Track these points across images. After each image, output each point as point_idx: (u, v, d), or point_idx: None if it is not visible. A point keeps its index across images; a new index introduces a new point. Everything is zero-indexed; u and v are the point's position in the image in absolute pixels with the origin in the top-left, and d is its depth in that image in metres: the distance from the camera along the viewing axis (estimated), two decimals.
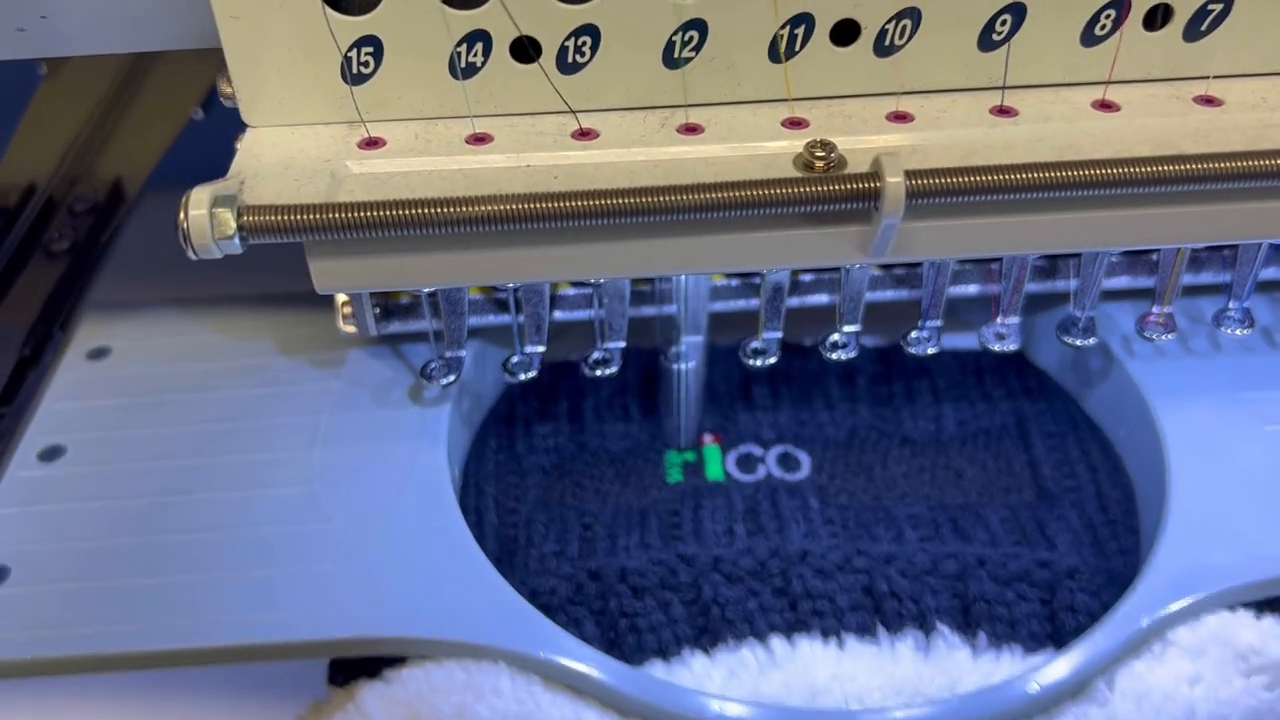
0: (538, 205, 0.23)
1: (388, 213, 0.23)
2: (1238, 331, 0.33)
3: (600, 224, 0.24)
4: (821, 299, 0.32)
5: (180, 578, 0.30)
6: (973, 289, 0.33)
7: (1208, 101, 0.27)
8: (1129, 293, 0.35)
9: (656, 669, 0.29)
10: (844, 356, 0.32)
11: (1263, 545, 0.29)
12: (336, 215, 0.23)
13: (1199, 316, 0.35)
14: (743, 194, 0.23)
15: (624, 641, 0.30)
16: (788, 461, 0.35)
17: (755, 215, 0.24)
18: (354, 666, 0.29)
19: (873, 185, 0.24)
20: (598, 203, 0.23)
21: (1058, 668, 0.27)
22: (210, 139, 0.35)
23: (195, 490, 0.32)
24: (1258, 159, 0.24)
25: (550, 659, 0.28)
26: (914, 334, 0.33)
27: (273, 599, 0.29)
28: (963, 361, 0.35)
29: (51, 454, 0.34)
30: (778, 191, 0.23)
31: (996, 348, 0.33)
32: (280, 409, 0.35)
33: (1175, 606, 0.28)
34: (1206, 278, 0.35)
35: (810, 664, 0.29)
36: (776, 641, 0.29)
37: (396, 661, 0.29)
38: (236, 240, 0.23)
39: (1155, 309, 0.33)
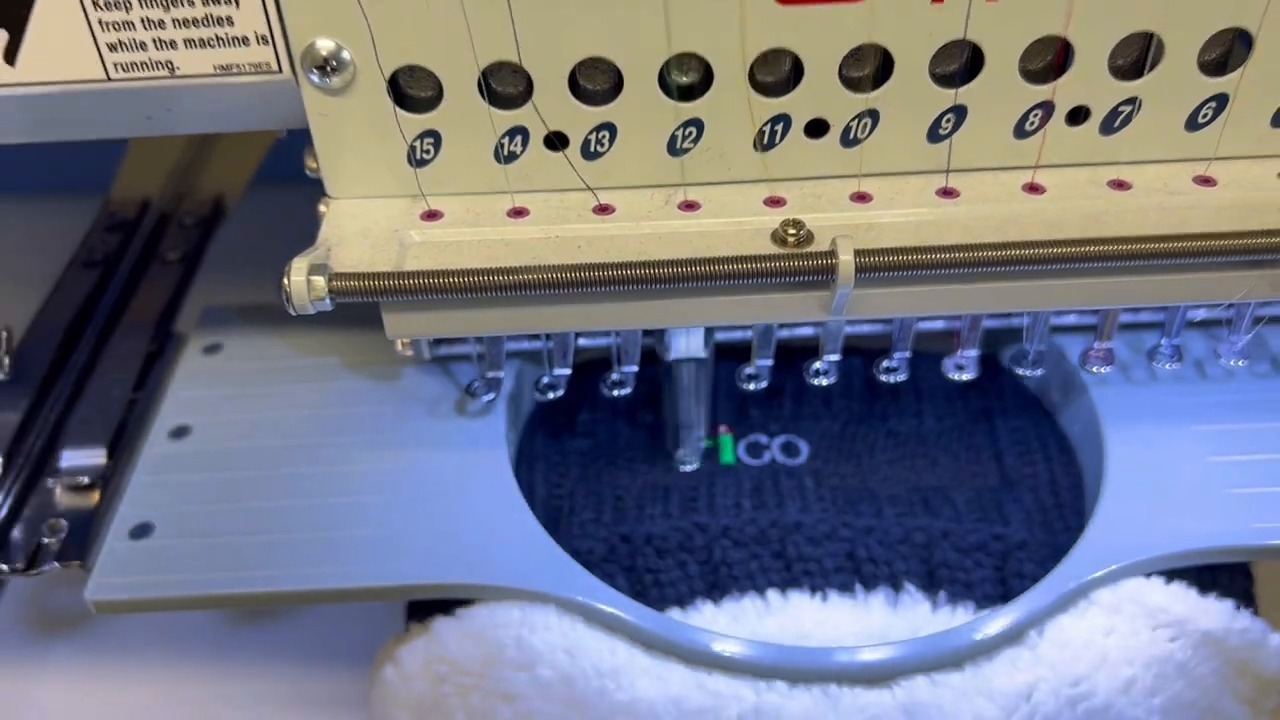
0: (566, 275, 0.27)
1: (446, 280, 0.27)
2: (1168, 365, 0.35)
3: (615, 289, 0.27)
4: (807, 330, 0.36)
5: (290, 535, 0.33)
6: (939, 324, 0.36)
7: (1119, 185, 0.29)
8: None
9: (674, 614, 0.32)
10: (825, 382, 0.35)
11: (1176, 526, 0.32)
12: (406, 282, 0.27)
13: (1142, 347, 0.37)
14: (728, 267, 0.27)
15: (649, 592, 0.32)
16: (790, 449, 0.37)
17: (738, 284, 0.27)
18: (430, 606, 0.33)
19: (829, 261, 0.27)
20: (613, 273, 0.27)
21: (999, 620, 0.30)
22: (290, 154, 0.38)
23: (298, 464, 0.35)
24: (1148, 242, 0.27)
25: (590, 604, 0.31)
26: (885, 363, 0.35)
27: (368, 552, 0.32)
28: (938, 366, 0.38)
29: (180, 432, 0.37)
30: (754, 266, 0.27)
31: (955, 377, 0.36)
32: (369, 398, 0.38)
33: (1099, 573, 0.31)
34: (1146, 316, 0.37)
35: (799, 613, 0.32)
36: (772, 594, 0.32)
37: (466, 602, 0.32)
38: (328, 301, 0.27)
39: (1096, 344, 0.35)
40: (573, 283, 0.27)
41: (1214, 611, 0.31)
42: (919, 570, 0.32)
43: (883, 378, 0.35)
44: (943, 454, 0.37)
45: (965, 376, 0.35)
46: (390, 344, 0.38)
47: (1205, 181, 0.29)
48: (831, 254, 0.27)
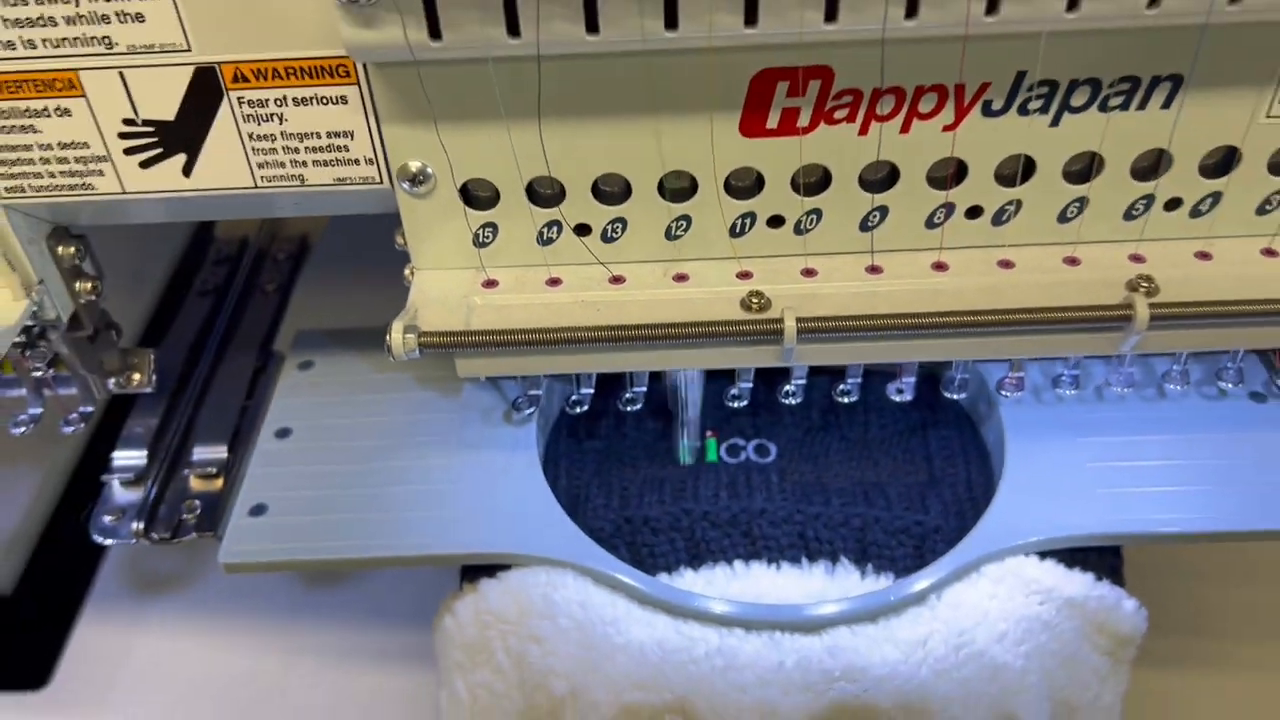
0: (589, 334, 0.36)
1: (503, 337, 0.36)
2: (1069, 391, 0.42)
3: (627, 345, 0.36)
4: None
5: (372, 514, 0.39)
6: None
7: (1006, 264, 0.37)
8: None
9: (663, 578, 0.38)
10: (793, 401, 0.42)
11: (1051, 519, 0.38)
12: (474, 339, 0.36)
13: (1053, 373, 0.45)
14: (706, 330, 0.36)
15: (644, 561, 0.39)
16: (761, 450, 0.44)
17: (714, 341, 0.37)
18: (478, 570, 0.39)
19: (778, 326, 0.35)
20: (624, 333, 0.36)
21: (907, 587, 0.37)
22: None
23: (378, 459, 0.42)
24: (1022, 313, 0.36)
25: (599, 569, 0.37)
26: (841, 386, 0.43)
27: (432, 528, 0.39)
28: (885, 383, 0.44)
29: (283, 433, 0.43)
30: (725, 329, 0.36)
31: (895, 398, 0.44)
32: (429, 408, 0.44)
33: (988, 552, 0.37)
34: None
35: (759, 579, 0.38)
36: (739, 564, 0.38)
37: (505, 567, 0.38)
38: (418, 352, 0.36)
39: (1010, 374, 0.42)
40: (594, 339, 0.36)
41: (1077, 582, 0.37)
42: (854, 548, 0.39)
43: (838, 398, 0.43)
44: (883, 456, 0.43)
45: (904, 398, 0.44)
46: (453, 365, 0.45)
47: (1072, 261, 0.38)
48: (780, 320, 0.36)
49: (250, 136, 0.36)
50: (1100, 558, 0.39)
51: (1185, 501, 0.39)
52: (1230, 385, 0.44)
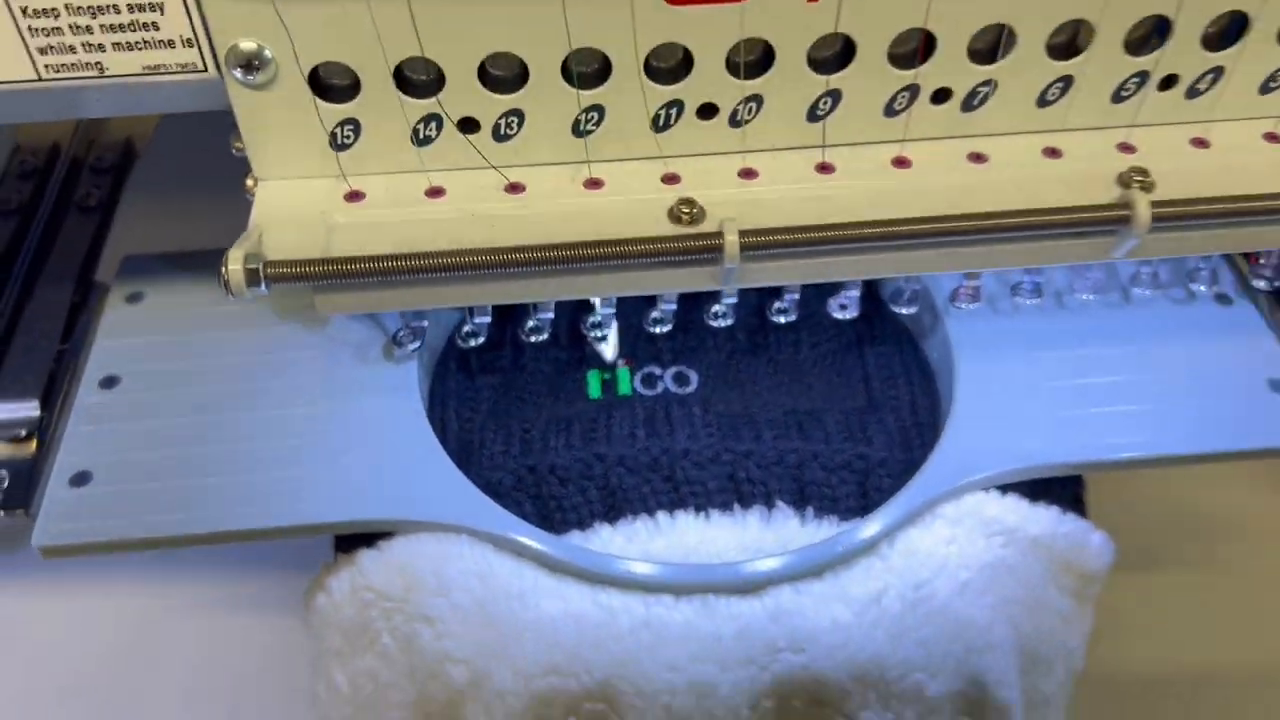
0: (480, 259, 0.30)
1: (374, 265, 0.30)
2: (1028, 300, 0.39)
3: (528, 269, 0.31)
4: None
5: (223, 478, 0.35)
6: None
7: (978, 158, 0.33)
8: None
9: (575, 537, 0.35)
10: (724, 324, 0.38)
11: (1011, 447, 0.35)
12: (336, 268, 0.30)
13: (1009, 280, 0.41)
14: (627, 249, 0.31)
15: (553, 516, 0.35)
16: (681, 378, 0.40)
17: (637, 262, 0.31)
18: (354, 539, 0.35)
19: (717, 242, 0.31)
20: (525, 255, 0.30)
21: (856, 535, 0.34)
22: None
23: (228, 410, 0.37)
24: (1001, 217, 0.32)
25: (499, 533, 0.34)
26: (777, 304, 0.39)
27: (296, 492, 0.35)
28: (820, 296, 0.41)
29: (110, 382, 0.38)
30: (651, 247, 0.31)
31: (839, 315, 0.39)
32: (288, 345, 0.39)
33: (945, 489, 0.35)
34: None
35: (685, 532, 0.35)
36: (661, 515, 0.35)
37: (386, 535, 0.35)
38: (264, 287, 0.30)
39: (964, 283, 0.39)
40: (489, 264, 0.31)
41: (1043, 519, 0.35)
42: (791, 488, 0.36)
43: (774, 318, 0.39)
44: (817, 380, 0.40)
45: (848, 315, 0.39)
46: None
47: (1052, 153, 0.34)
48: (719, 235, 0.31)
49: (23, 11, 0.29)
50: (1063, 488, 0.37)
51: (1153, 421, 0.37)
52: (1204, 287, 0.41)
